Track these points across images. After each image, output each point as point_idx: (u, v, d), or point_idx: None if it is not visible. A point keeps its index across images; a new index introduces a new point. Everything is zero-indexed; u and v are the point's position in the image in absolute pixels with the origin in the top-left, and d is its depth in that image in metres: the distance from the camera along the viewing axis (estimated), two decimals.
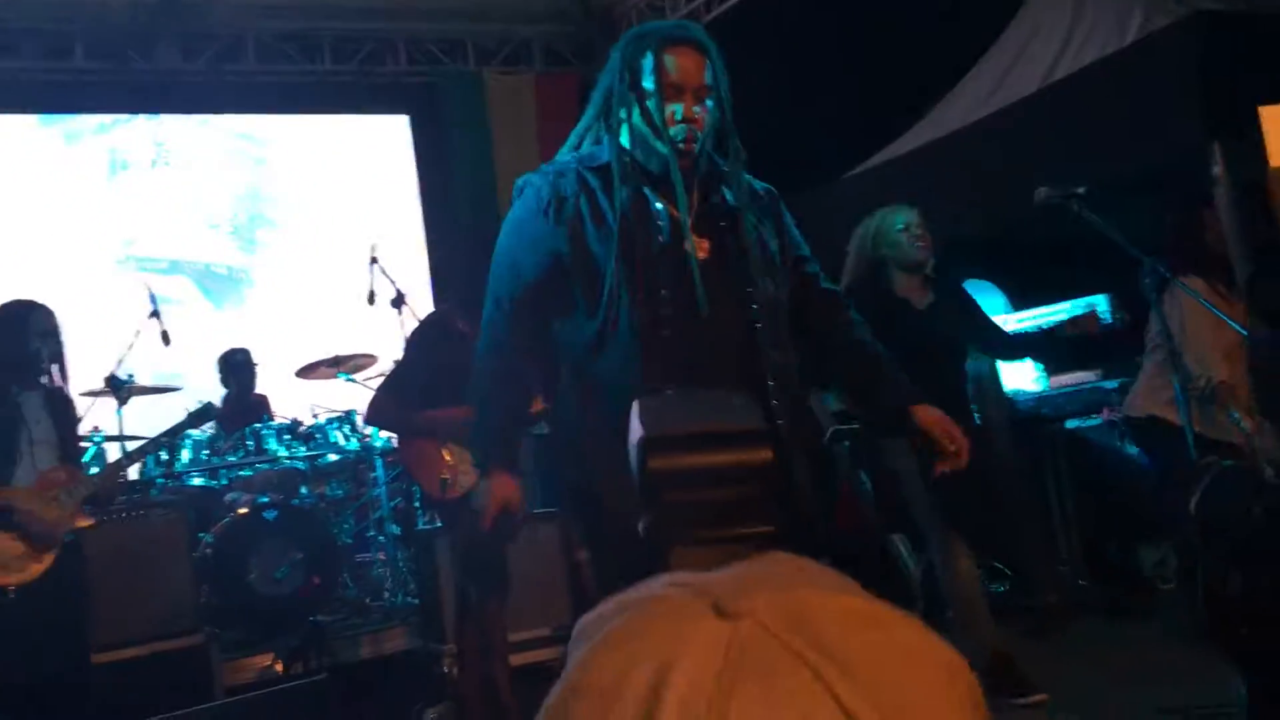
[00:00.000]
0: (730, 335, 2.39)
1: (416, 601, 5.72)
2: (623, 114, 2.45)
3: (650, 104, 2.40)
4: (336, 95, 8.95)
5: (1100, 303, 5.00)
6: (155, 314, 5.80)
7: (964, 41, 7.20)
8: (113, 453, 5.53)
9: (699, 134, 2.44)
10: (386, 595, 6.14)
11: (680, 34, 2.48)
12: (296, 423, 6.33)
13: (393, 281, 5.30)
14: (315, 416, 6.40)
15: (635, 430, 1.86)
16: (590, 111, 2.57)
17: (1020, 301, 6.20)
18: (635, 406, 1.90)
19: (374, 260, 5.49)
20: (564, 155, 2.58)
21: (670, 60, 2.41)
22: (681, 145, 2.42)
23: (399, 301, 5.22)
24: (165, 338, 5.82)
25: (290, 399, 6.87)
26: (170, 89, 8.31)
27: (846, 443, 5.90)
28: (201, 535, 5.74)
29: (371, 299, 5.46)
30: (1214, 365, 4.03)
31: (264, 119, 8.77)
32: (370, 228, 7.38)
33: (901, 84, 7.58)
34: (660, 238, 2.41)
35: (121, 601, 4.83)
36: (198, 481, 6.15)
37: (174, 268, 8.05)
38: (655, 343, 2.34)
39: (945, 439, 2.47)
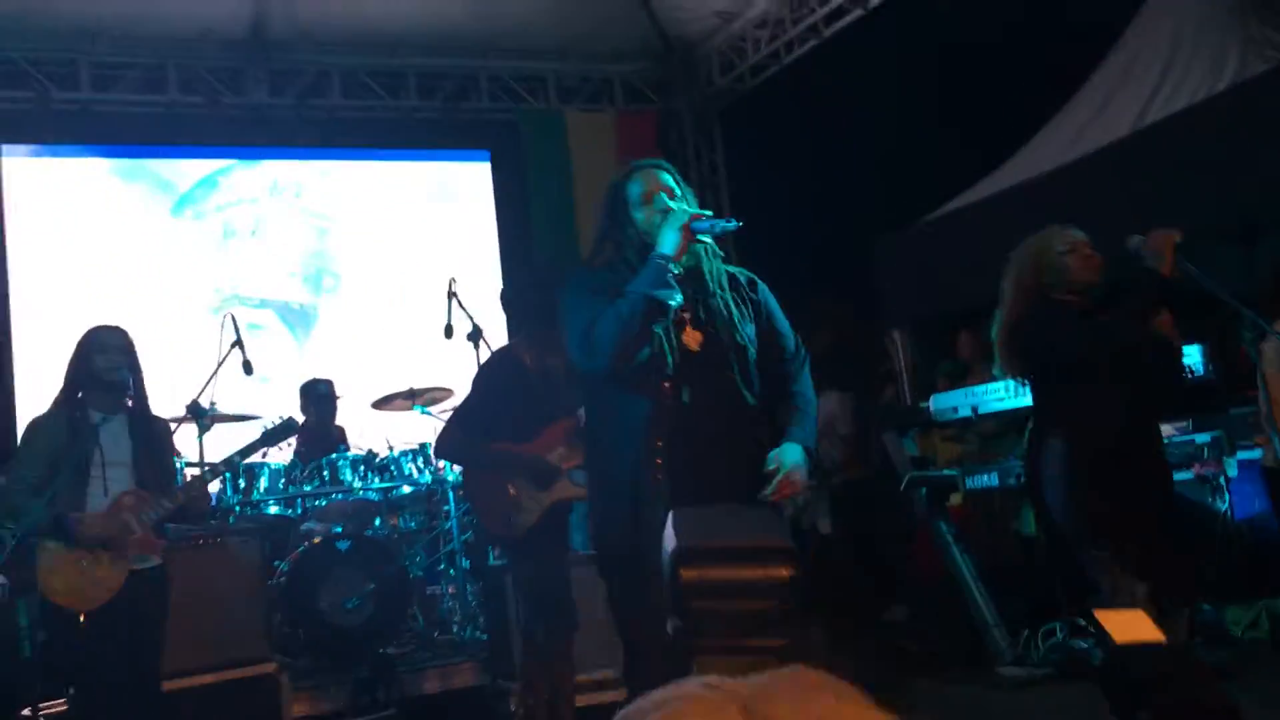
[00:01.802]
0: (716, 416, 2.99)
1: (485, 637, 5.70)
2: (624, 232, 3.12)
3: (636, 213, 3.11)
4: (420, 131, 9.09)
5: (1194, 353, 4.84)
6: (238, 343, 5.88)
7: (1056, 82, 7.09)
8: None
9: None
10: (455, 629, 6.13)
11: (642, 163, 3.22)
12: (372, 454, 6.37)
13: (470, 316, 5.32)
14: (390, 449, 6.44)
15: (670, 540, 1.97)
16: (601, 232, 3.24)
17: None
18: (671, 516, 2.02)
19: (452, 294, 5.51)
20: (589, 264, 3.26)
21: (640, 178, 3.15)
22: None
23: (476, 336, 5.22)
24: (248, 367, 5.89)
25: (366, 431, 6.92)
26: (258, 124, 8.51)
27: (924, 489, 5.79)
28: (276, 563, 5.78)
29: (449, 333, 5.48)
30: None
31: (342, 180, 9.05)
32: (449, 263, 7.45)
33: (988, 126, 7.48)
34: (674, 332, 3.00)
35: (196, 628, 4.85)
36: (274, 510, 6.21)
37: (263, 304, 8.65)
38: (659, 420, 2.95)
39: (772, 473, 2.96)
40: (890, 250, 7.86)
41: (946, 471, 5.84)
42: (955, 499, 6.04)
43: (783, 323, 3.28)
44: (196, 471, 5.44)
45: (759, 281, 3.27)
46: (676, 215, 2.99)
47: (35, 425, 4.16)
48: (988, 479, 5.44)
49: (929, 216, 7.79)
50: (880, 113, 8.23)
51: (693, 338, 3.04)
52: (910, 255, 7.71)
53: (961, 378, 6.90)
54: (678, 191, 3.11)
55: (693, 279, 3.07)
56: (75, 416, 4.09)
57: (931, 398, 5.91)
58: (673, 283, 2.93)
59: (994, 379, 5.74)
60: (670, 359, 2.98)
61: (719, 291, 3.10)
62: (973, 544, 5.91)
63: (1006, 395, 5.38)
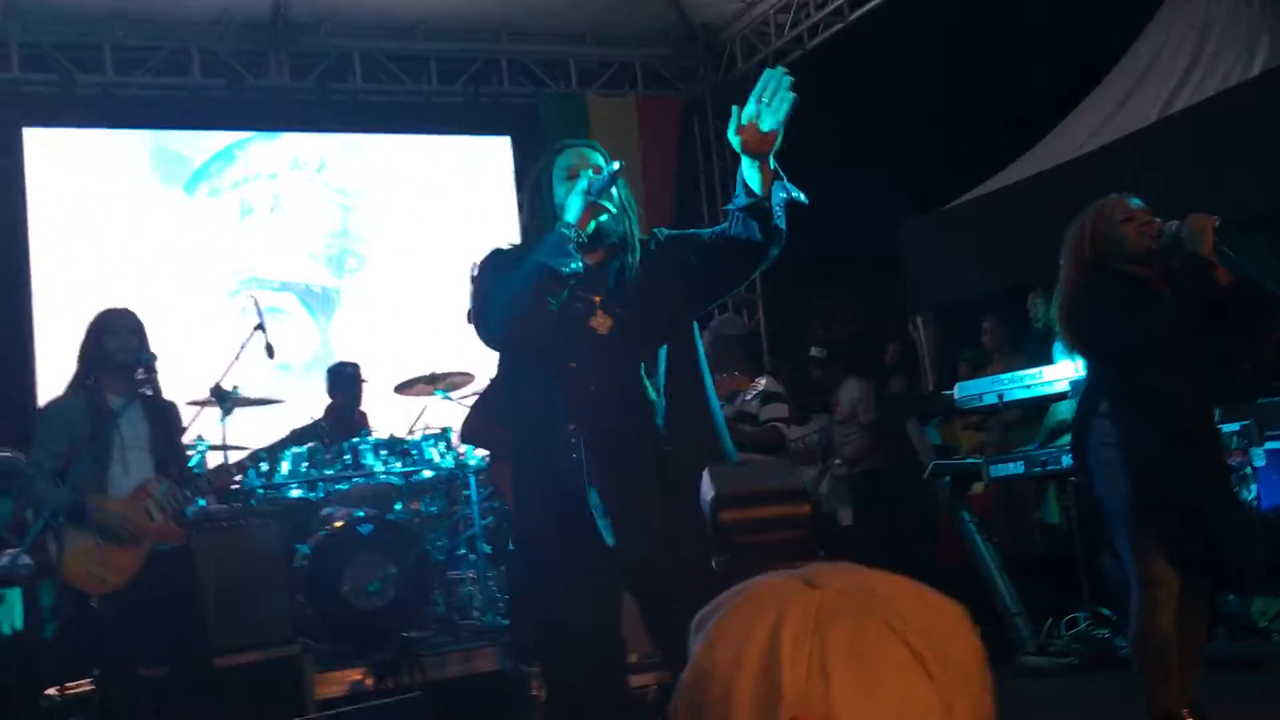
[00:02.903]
0: (619, 405, 2.91)
1: (505, 622, 5.71)
2: (543, 207, 3.05)
3: (558, 188, 3.02)
4: (441, 115, 9.08)
5: None
6: (261, 326, 5.88)
7: (1084, 68, 7.02)
8: (215, 462, 5.61)
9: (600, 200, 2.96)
10: (476, 614, 6.14)
11: (570, 142, 3.18)
12: (394, 438, 6.37)
13: None
14: (412, 433, 6.44)
15: (707, 490, 2.17)
16: (528, 212, 3.18)
17: None
18: (706, 471, 2.18)
19: (474, 278, 5.50)
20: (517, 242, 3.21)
21: (566, 156, 3.09)
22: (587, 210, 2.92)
23: None
24: (270, 350, 5.89)
25: (387, 414, 6.93)
26: (279, 106, 8.51)
27: (947, 478, 5.76)
28: (298, 546, 5.80)
29: (470, 317, 5.47)
30: None
31: (365, 155, 8.99)
32: (473, 245, 7.43)
33: (1014, 112, 7.42)
34: (582, 316, 2.95)
35: (219, 610, 4.87)
36: (296, 493, 6.22)
37: (283, 287, 8.57)
38: (573, 402, 2.90)
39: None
40: (914, 236, 7.81)
41: (969, 460, 5.82)
42: (978, 488, 6.02)
43: (691, 233, 3.21)
44: (219, 456, 5.47)
45: (658, 233, 3.17)
46: (580, 184, 2.93)
47: (52, 409, 4.19)
48: (1012, 467, 5.42)
49: (953, 203, 7.74)
50: (904, 98, 8.19)
51: (602, 322, 2.97)
52: (934, 241, 7.66)
53: (983, 366, 6.86)
54: (605, 170, 3.01)
55: (613, 263, 3.01)
56: (94, 401, 4.11)
57: (956, 385, 5.88)
58: (572, 251, 2.85)
59: (1016, 368, 5.72)
60: (577, 337, 2.93)
61: (637, 278, 3.01)
62: (996, 533, 5.89)
63: (1033, 383, 5.36)
